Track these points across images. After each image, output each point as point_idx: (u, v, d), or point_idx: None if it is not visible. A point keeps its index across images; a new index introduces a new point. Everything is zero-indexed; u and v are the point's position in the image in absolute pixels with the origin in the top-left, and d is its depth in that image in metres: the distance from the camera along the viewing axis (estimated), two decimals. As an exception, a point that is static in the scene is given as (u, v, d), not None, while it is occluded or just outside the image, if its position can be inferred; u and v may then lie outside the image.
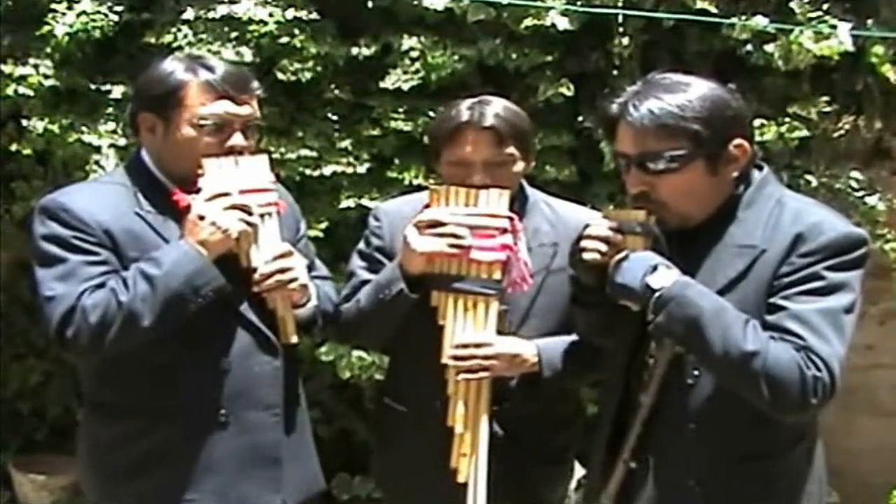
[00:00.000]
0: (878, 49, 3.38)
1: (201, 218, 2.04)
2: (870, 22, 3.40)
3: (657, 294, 1.81)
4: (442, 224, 2.19)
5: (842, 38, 3.26)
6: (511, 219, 2.21)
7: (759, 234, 1.87)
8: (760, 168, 1.96)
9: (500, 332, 2.24)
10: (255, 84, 2.17)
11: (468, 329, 2.21)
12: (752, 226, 1.88)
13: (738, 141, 1.88)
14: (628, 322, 1.97)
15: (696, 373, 1.89)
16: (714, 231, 1.90)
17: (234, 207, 2.06)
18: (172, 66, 2.11)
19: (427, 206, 2.26)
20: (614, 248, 1.91)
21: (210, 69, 2.10)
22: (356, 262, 2.41)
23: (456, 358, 2.20)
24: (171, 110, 2.08)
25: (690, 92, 1.87)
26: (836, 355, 1.78)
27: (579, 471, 3.17)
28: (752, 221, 1.89)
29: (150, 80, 2.13)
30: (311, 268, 2.27)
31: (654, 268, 1.84)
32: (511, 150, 2.24)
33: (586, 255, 1.94)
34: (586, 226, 1.98)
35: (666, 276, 1.83)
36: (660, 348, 1.92)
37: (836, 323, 1.80)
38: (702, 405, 1.89)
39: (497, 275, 2.20)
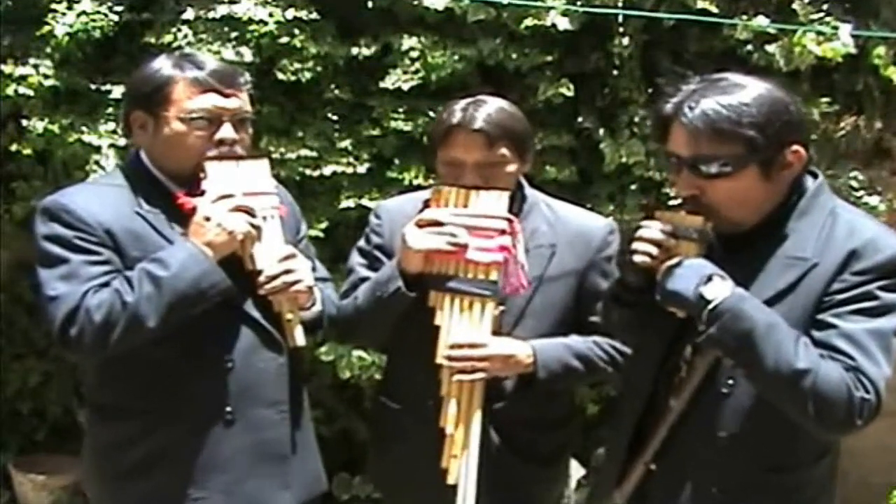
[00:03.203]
0: (881, 50, 3.38)
1: (207, 219, 2.04)
2: (871, 24, 3.40)
3: (711, 305, 1.78)
4: (440, 224, 2.19)
5: (844, 40, 3.26)
6: (510, 220, 2.20)
7: (811, 246, 1.83)
8: (815, 175, 1.93)
9: (496, 333, 2.23)
10: (244, 78, 2.17)
11: (464, 329, 2.20)
12: (805, 237, 1.85)
13: (794, 147, 1.84)
14: (661, 325, 1.94)
15: (730, 382, 1.87)
16: (765, 239, 1.87)
17: (238, 209, 2.07)
18: (160, 64, 2.12)
19: (427, 206, 2.26)
20: (665, 252, 1.87)
21: (197, 65, 2.11)
22: (356, 259, 2.41)
23: (450, 358, 2.19)
24: (159, 107, 2.09)
25: (748, 95, 1.83)
26: (884, 377, 1.77)
27: (580, 470, 3.17)
28: (805, 232, 1.85)
29: (139, 78, 2.15)
30: (311, 269, 2.26)
31: (709, 278, 1.80)
32: (503, 151, 2.22)
33: (637, 258, 1.90)
34: (638, 226, 1.95)
35: (721, 288, 1.79)
36: (699, 356, 1.90)
37: (885, 345, 1.78)
38: (734, 415, 1.87)
39: (494, 276, 2.19)
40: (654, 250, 1.88)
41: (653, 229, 1.90)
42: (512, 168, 2.26)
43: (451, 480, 2.18)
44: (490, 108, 2.24)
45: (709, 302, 1.78)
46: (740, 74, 1.91)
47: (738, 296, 1.79)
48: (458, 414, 2.19)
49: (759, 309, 1.79)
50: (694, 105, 1.82)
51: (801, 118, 1.89)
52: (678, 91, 1.89)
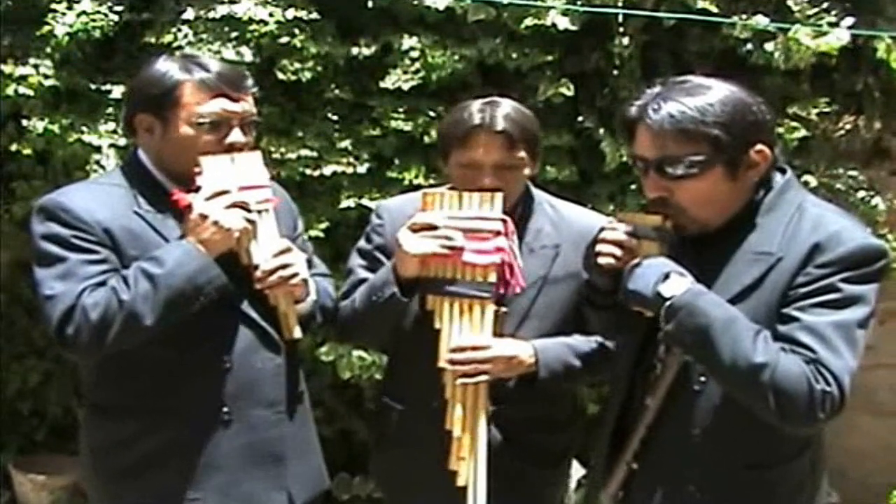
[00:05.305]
0: (884, 44, 3.37)
1: (203, 217, 2.04)
2: (876, 20, 3.40)
3: (668, 302, 1.80)
4: (435, 227, 2.19)
5: (839, 33, 3.26)
6: (504, 221, 2.20)
7: (776, 241, 1.84)
8: (783, 171, 1.94)
9: (496, 334, 2.23)
10: (250, 81, 2.18)
11: (464, 332, 2.20)
12: (771, 232, 1.86)
13: (759, 147, 1.85)
14: (636, 324, 1.95)
15: (702, 379, 1.88)
16: (732, 237, 1.88)
17: (233, 205, 2.07)
18: (167, 67, 2.11)
19: (421, 211, 2.25)
20: (629, 252, 1.89)
21: (205, 68, 2.10)
22: (356, 260, 2.41)
23: (453, 362, 2.19)
24: (168, 110, 2.09)
25: (711, 96, 1.84)
26: (847, 369, 1.76)
27: (580, 470, 3.17)
28: (771, 228, 1.86)
29: (145, 81, 2.13)
30: (309, 264, 2.27)
31: (667, 275, 1.82)
32: (521, 153, 2.24)
33: (601, 260, 1.92)
34: (602, 229, 1.96)
35: (678, 284, 1.81)
36: (670, 353, 1.91)
37: (848, 337, 1.77)
38: (707, 412, 1.88)
39: (491, 277, 2.19)
40: (616, 251, 1.91)
41: (614, 231, 1.92)
42: (527, 171, 2.28)
43: (461, 482, 2.19)
44: (507, 109, 2.24)
45: (666, 299, 1.80)
46: (704, 77, 1.92)
47: (694, 292, 1.80)
48: (464, 416, 2.20)
49: (716, 304, 1.79)
50: (658, 107, 1.84)
51: (766, 118, 1.89)
52: (643, 95, 1.90)
